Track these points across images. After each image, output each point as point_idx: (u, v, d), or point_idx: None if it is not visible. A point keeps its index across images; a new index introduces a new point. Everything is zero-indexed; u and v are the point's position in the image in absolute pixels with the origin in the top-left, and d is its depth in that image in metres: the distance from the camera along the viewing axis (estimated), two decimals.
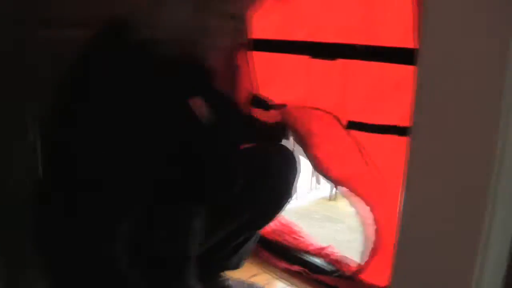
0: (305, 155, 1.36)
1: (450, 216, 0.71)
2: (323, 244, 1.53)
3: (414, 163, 0.75)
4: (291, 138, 1.38)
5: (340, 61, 1.28)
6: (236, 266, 1.35)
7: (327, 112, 1.30)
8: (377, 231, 1.28)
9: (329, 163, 1.31)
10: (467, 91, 0.66)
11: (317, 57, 1.33)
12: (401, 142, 1.17)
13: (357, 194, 1.28)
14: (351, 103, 1.28)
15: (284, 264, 1.50)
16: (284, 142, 1.37)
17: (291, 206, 2.11)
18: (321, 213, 2.12)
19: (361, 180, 1.26)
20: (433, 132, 0.72)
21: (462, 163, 0.69)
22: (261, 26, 1.47)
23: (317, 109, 1.32)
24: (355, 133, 1.27)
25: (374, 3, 1.18)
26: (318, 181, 2.13)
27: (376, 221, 1.27)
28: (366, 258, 1.33)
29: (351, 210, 1.94)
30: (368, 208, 1.26)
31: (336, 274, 1.40)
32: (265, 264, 1.54)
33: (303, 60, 1.37)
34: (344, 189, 1.31)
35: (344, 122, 1.28)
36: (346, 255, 1.48)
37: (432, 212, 0.74)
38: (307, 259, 1.49)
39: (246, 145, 1.32)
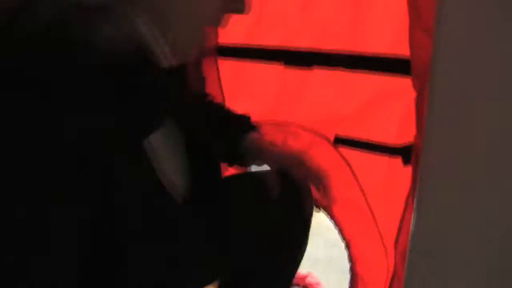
0: None
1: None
2: (302, 271, 1.38)
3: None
4: None
5: (319, 70, 1.12)
6: None
7: (306, 128, 1.14)
8: (353, 269, 1.14)
9: None
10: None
11: (292, 65, 1.17)
12: (392, 163, 1.03)
13: (337, 223, 1.12)
14: (336, 116, 1.12)
15: None
16: None
17: None
18: None
19: (343, 207, 1.10)
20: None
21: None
22: (228, 29, 1.30)
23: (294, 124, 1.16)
24: (343, 150, 1.11)
25: (361, 4, 1.03)
26: None
27: (353, 257, 1.12)
28: None
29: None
30: (345, 243, 1.12)
31: None
32: None
33: (275, 68, 1.21)
34: None
35: (331, 137, 1.13)
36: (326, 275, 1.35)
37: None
38: None
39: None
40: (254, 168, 0.98)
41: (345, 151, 1.10)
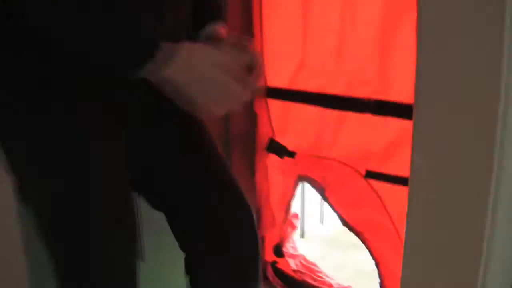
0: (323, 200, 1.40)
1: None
2: (344, 284, 1.56)
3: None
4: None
5: (352, 114, 1.31)
6: None
7: (342, 162, 1.34)
8: (382, 284, 1.31)
9: (345, 211, 1.34)
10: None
11: (329, 108, 1.36)
12: None
13: (368, 245, 1.30)
14: (368, 153, 1.31)
15: None
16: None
17: (316, 233, 2.16)
18: (346, 239, 2.13)
19: (374, 232, 1.28)
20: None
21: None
22: (275, 74, 1.52)
23: (332, 159, 1.36)
24: (373, 182, 1.30)
25: (387, 57, 1.21)
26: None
27: (381, 275, 1.29)
28: None
29: None
30: (375, 262, 1.29)
31: None
32: None
33: (316, 110, 1.41)
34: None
35: (363, 172, 1.31)
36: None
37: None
38: None
39: None
40: None
41: (375, 183, 1.28)
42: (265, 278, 1.61)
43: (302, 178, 1.46)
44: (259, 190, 1.62)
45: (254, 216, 1.01)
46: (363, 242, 1.30)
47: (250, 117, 1.59)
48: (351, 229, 1.32)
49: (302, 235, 2.10)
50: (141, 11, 0.79)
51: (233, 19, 1.46)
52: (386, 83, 1.24)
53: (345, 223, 1.34)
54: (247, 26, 1.52)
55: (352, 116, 1.32)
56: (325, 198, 1.38)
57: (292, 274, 1.61)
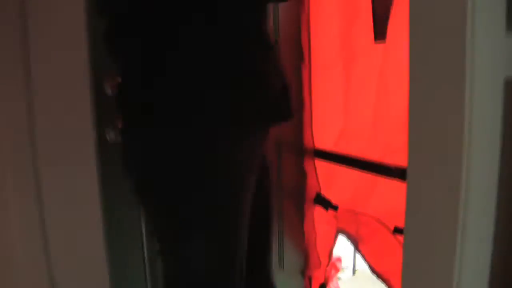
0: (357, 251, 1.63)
1: None
2: None
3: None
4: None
5: (383, 178, 1.54)
6: None
7: (374, 218, 1.56)
8: None
9: (374, 261, 1.56)
10: None
11: (364, 171, 1.60)
12: None
13: None
14: (396, 212, 1.52)
15: None
16: None
17: (363, 268, 2.35)
18: None
19: (399, 279, 1.49)
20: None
21: None
22: (322, 138, 1.78)
23: (365, 215, 1.59)
24: (400, 238, 1.51)
25: None
26: None
27: None
28: None
29: None
30: None
31: None
32: None
33: (354, 171, 1.65)
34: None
35: (391, 227, 1.53)
36: None
37: None
38: None
39: None
40: None
41: (402, 238, 1.49)
42: None
43: (339, 230, 1.70)
44: (307, 236, 1.87)
45: None
46: (389, 287, 1.52)
47: (301, 173, 1.85)
48: (378, 276, 1.54)
49: (354, 272, 2.31)
50: None
51: None
52: None
53: (374, 271, 1.56)
54: (299, 96, 1.80)
55: (382, 180, 1.54)
56: (358, 250, 1.61)
57: None
